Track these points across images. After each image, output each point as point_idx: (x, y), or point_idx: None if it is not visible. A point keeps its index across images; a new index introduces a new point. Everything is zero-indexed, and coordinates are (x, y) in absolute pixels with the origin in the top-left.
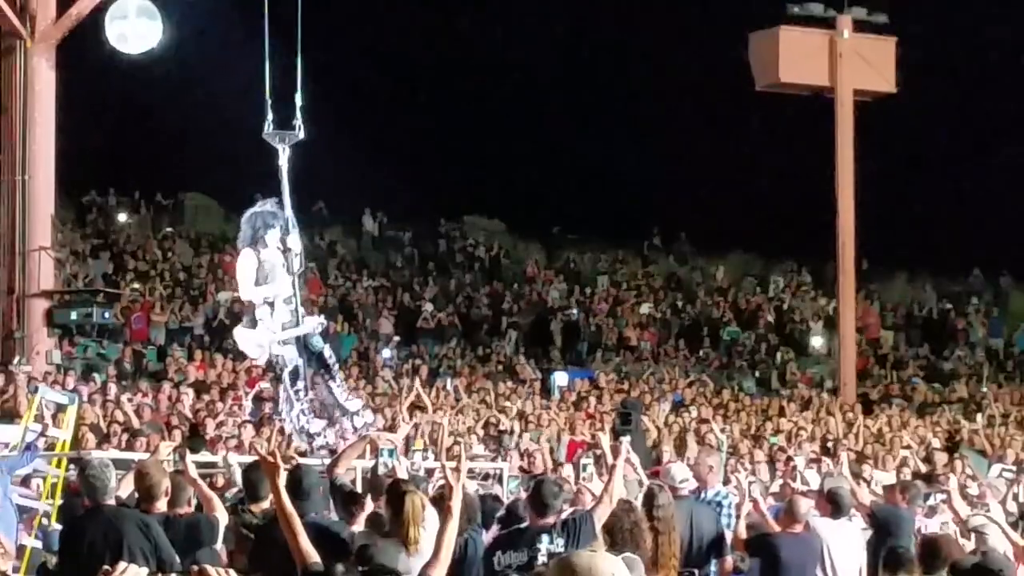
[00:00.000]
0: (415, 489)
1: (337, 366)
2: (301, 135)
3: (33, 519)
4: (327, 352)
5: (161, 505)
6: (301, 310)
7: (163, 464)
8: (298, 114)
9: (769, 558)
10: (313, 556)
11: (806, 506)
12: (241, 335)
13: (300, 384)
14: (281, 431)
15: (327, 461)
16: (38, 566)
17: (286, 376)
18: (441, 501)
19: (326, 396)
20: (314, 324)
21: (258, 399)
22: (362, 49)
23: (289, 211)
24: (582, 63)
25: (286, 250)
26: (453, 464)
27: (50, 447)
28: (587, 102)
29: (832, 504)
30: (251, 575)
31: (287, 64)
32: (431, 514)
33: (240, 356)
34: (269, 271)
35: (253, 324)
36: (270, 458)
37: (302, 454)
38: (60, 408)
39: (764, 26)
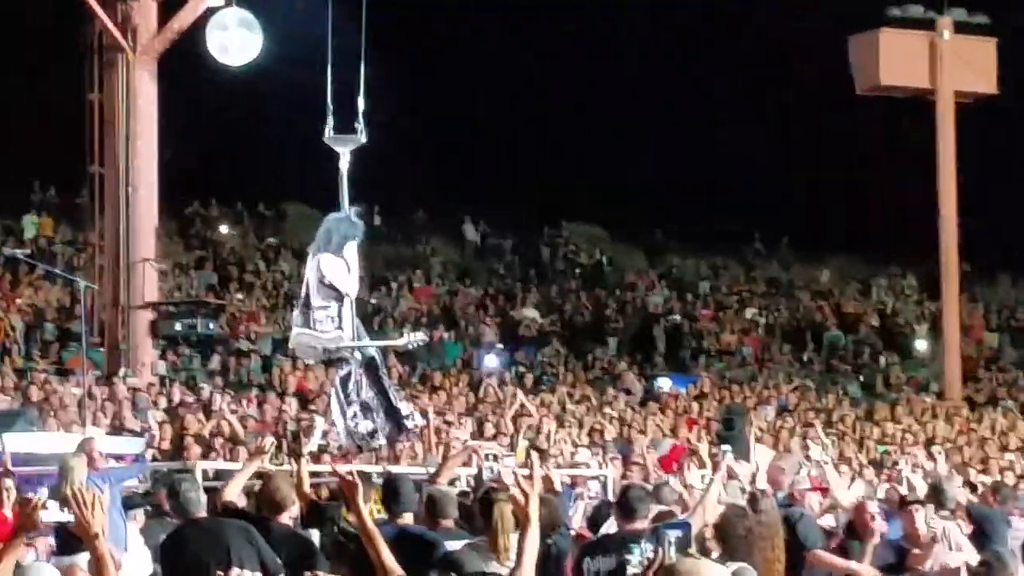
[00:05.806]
0: (507, 497)
1: (385, 370)
2: (363, 139)
3: None
4: (378, 358)
5: (285, 518)
6: (357, 322)
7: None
8: (360, 119)
9: None
10: (397, 570)
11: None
12: (302, 339)
13: (351, 387)
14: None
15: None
16: None
17: (337, 379)
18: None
19: (374, 398)
20: (404, 341)
21: None
22: (460, 56)
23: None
24: (683, 67)
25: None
26: (527, 472)
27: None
28: (690, 107)
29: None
30: None
31: (363, 68)
32: None
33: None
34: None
35: (314, 326)
36: (348, 477)
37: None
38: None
39: (864, 29)
